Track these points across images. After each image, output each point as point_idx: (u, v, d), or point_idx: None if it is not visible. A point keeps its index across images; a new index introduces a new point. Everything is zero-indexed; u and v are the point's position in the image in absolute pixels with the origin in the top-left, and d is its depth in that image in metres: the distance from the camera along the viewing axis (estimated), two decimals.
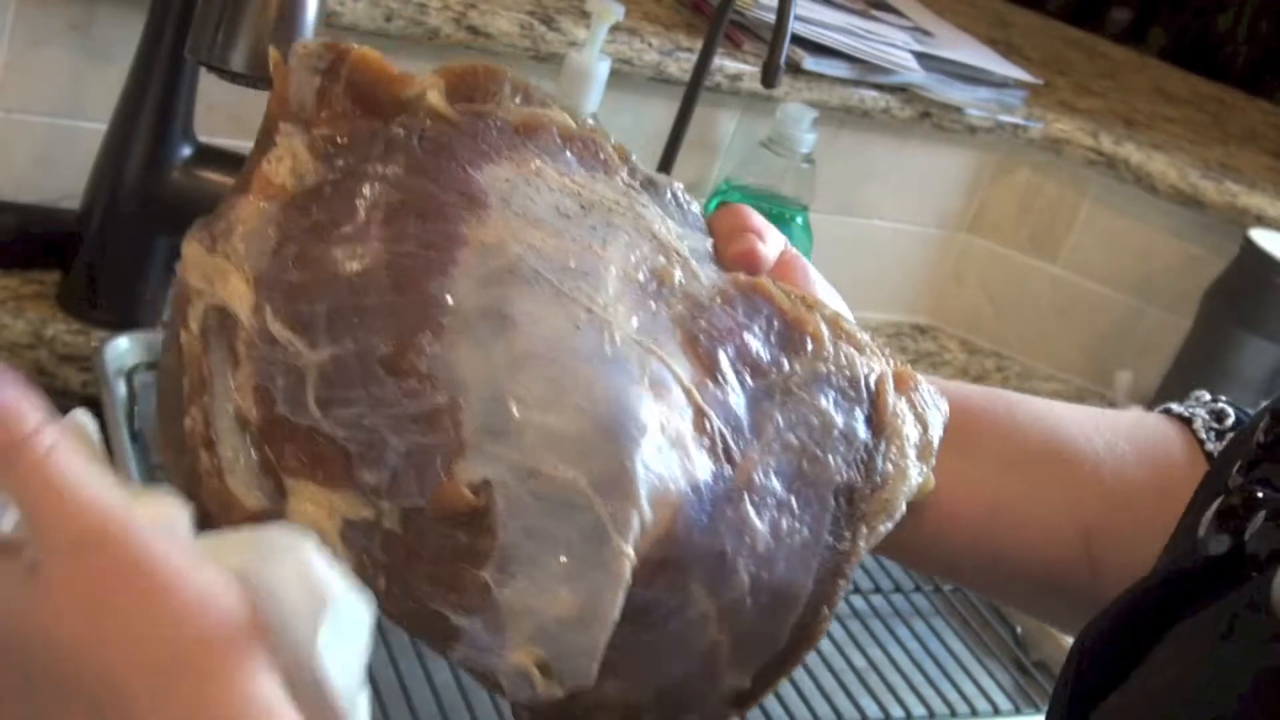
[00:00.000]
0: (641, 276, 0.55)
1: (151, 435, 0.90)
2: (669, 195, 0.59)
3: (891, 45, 1.31)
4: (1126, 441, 0.62)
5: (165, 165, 0.95)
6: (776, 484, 0.54)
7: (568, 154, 0.56)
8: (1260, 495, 0.48)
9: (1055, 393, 1.49)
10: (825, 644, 0.93)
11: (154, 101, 0.93)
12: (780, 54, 1.07)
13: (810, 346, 0.57)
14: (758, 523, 0.53)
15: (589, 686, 0.50)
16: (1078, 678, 0.52)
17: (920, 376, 0.59)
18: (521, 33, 1.11)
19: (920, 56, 1.33)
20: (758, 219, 0.59)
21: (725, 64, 1.22)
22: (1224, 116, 1.78)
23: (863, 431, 0.56)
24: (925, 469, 0.57)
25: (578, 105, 1.09)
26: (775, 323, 0.57)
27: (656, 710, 0.52)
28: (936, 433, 0.58)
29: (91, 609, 0.42)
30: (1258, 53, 2.26)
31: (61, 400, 0.96)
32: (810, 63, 1.26)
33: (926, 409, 0.58)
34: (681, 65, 1.19)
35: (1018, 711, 0.94)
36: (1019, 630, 1.01)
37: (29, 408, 0.43)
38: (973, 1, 1.82)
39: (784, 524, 0.54)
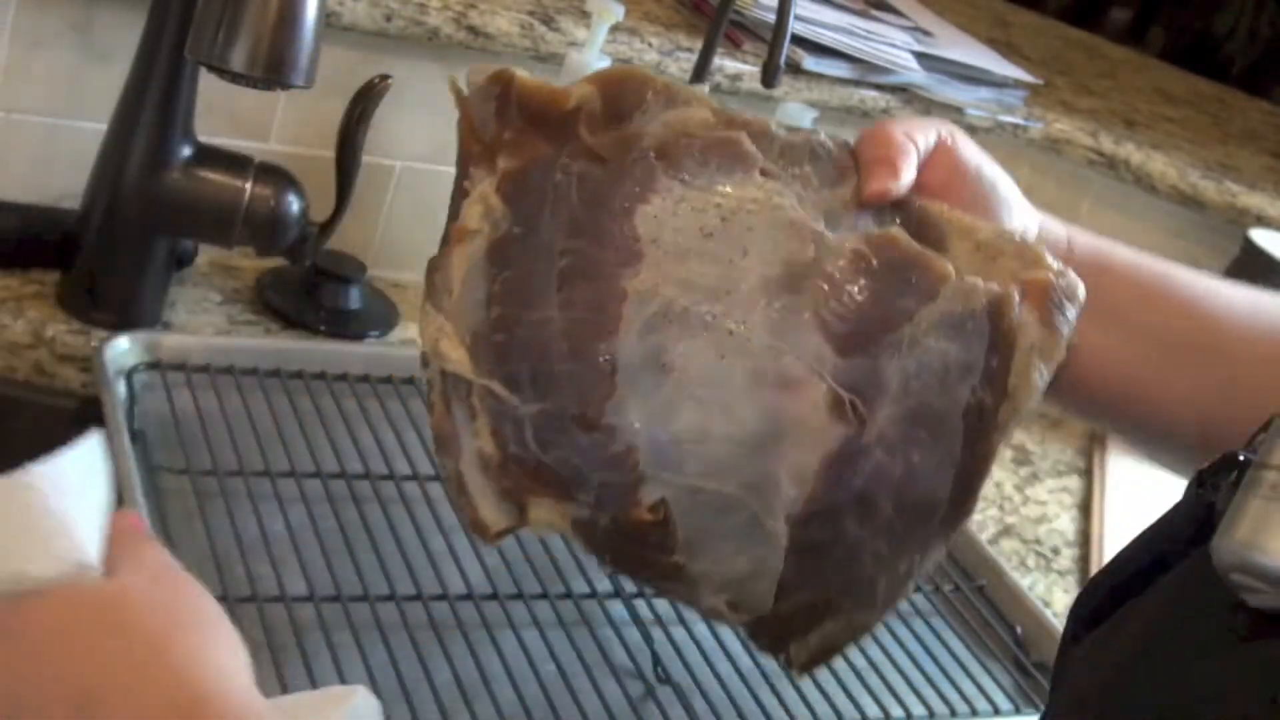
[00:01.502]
0: (778, 271, 0.65)
1: (152, 435, 0.90)
2: (809, 151, 0.67)
3: (891, 45, 1.31)
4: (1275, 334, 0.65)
5: (165, 165, 0.95)
6: (906, 427, 0.64)
7: (710, 164, 0.65)
8: (1240, 457, 0.49)
9: None
10: None
11: (154, 101, 0.93)
12: (780, 54, 1.07)
13: (939, 289, 0.64)
14: (890, 462, 0.64)
15: (768, 611, 0.68)
16: (1073, 631, 0.55)
17: (1059, 268, 0.64)
18: (521, 33, 1.11)
19: (920, 56, 1.33)
20: (898, 139, 0.64)
21: (725, 64, 1.22)
22: (1224, 116, 1.78)
23: (985, 357, 0.64)
24: (1050, 368, 0.63)
25: None
26: (908, 275, 0.65)
27: (845, 599, 0.67)
28: (1065, 329, 0.64)
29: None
30: (1258, 53, 2.26)
31: (61, 400, 0.96)
32: (810, 63, 1.26)
33: (1056, 310, 0.64)
34: (681, 65, 1.19)
35: (1018, 711, 0.94)
36: (1019, 630, 1.01)
37: None
38: (973, 1, 1.82)
39: (915, 455, 0.65)
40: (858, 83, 1.30)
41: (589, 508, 0.66)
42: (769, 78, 1.08)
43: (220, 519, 0.84)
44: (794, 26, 1.08)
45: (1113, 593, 0.53)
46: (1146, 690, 0.46)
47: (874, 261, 0.65)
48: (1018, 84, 1.41)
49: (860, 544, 0.65)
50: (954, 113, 1.36)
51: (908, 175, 0.64)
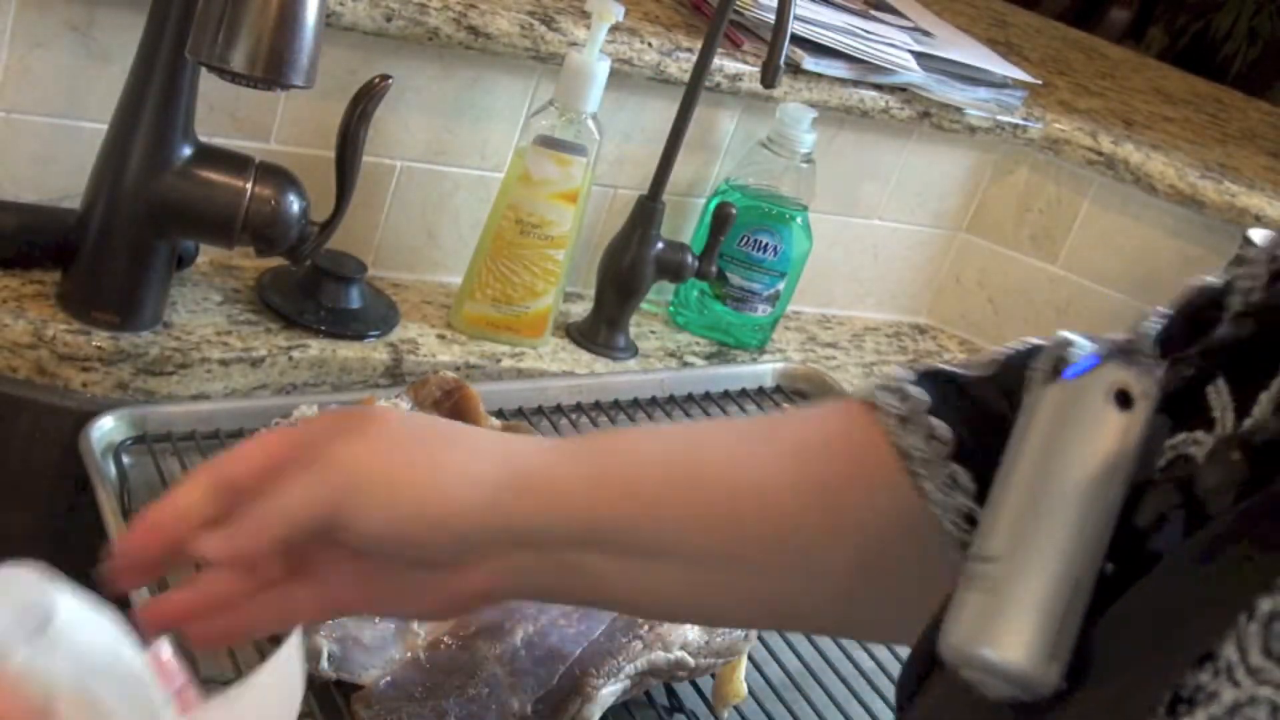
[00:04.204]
0: None
1: None
2: None
3: (891, 45, 1.31)
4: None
5: (165, 165, 0.95)
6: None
7: None
8: None
9: None
10: (831, 649, 0.92)
11: (154, 101, 0.93)
12: (780, 54, 1.07)
13: None
14: (535, 612, 0.79)
15: (359, 681, 0.75)
16: (898, 702, 0.53)
17: None
18: (521, 33, 1.11)
19: (920, 56, 1.33)
20: None
21: (725, 64, 1.22)
22: (1223, 117, 1.78)
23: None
24: None
25: (578, 105, 1.10)
26: None
27: (457, 712, 0.74)
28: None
29: None
30: (1256, 53, 2.26)
31: (61, 400, 0.96)
32: (810, 63, 1.26)
33: None
34: (681, 65, 1.19)
35: None
36: None
37: None
38: (972, 1, 1.83)
39: (562, 619, 0.79)
40: (857, 83, 1.30)
41: None
42: (769, 78, 1.09)
43: None
44: (794, 26, 1.08)
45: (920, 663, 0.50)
46: None
47: None
48: (1017, 84, 1.41)
49: (483, 661, 0.76)
50: (953, 113, 1.36)
51: None
